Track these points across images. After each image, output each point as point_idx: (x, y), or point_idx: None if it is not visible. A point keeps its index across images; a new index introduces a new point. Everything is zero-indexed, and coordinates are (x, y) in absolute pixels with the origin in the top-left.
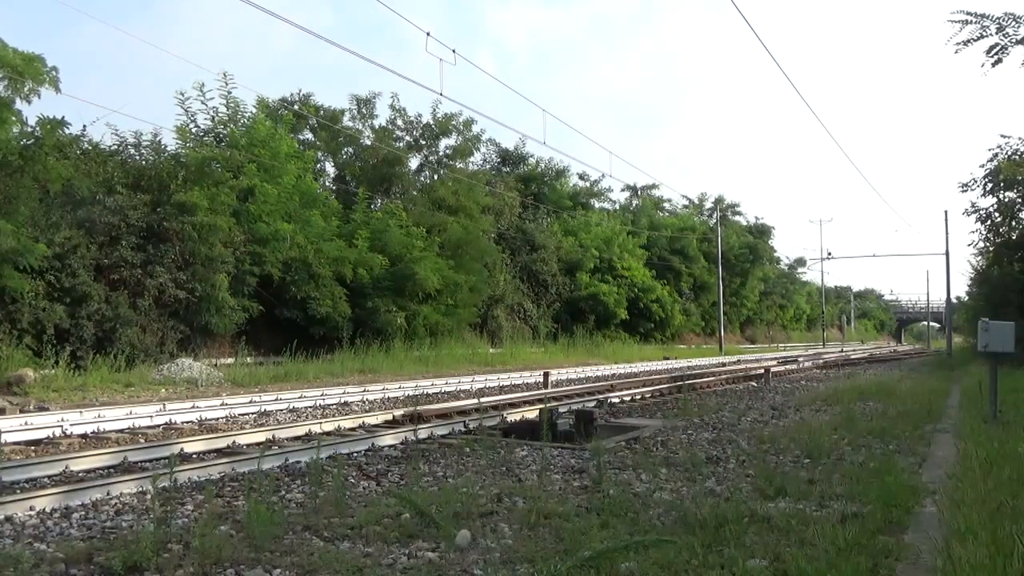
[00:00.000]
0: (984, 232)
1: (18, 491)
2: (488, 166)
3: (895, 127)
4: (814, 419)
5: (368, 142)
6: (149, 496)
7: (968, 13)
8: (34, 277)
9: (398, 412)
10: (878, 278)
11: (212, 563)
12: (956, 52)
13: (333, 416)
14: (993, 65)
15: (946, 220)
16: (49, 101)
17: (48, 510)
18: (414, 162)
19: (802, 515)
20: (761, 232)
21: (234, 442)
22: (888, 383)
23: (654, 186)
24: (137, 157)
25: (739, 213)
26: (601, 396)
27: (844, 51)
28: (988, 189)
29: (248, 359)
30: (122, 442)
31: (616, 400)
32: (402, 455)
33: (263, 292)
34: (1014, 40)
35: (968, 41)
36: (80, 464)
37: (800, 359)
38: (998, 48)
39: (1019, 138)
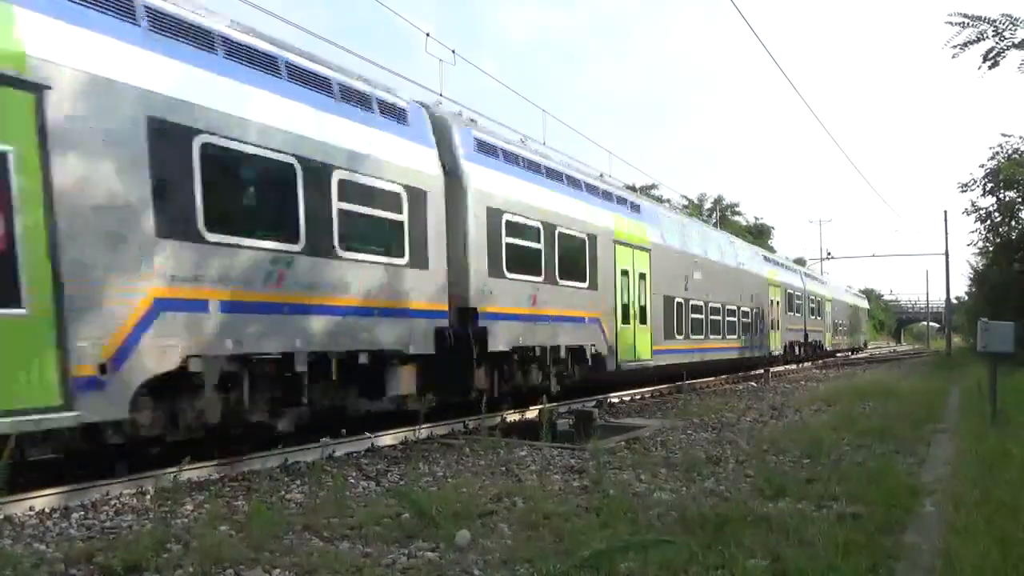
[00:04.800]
0: (984, 232)
1: None
2: None
3: (895, 127)
4: (814, 419)
5: None
6: (149, 496)
7: (965, 16)
8: None
9: None
10: (878, 278)
11: (212, 563)
12: (954, 57)
13: None
14: (990, 68)
15: (946, 220)
16: None
17: (48, 510)
18: None
19: (802, 515)
20: (761, 232)
21: None
22: (888, 383)
23: (653, 186)
24: None
25: (739, 213)
26: (601, 396)
27: (844, 52)
28: (988, 189)
29: None
30: None
31: (616, 400)
32: (402, 455)
33: None
34: (1011, 43)
35: (965, 44)
36: None
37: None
38: (995, 51)
39: (1019, 137)
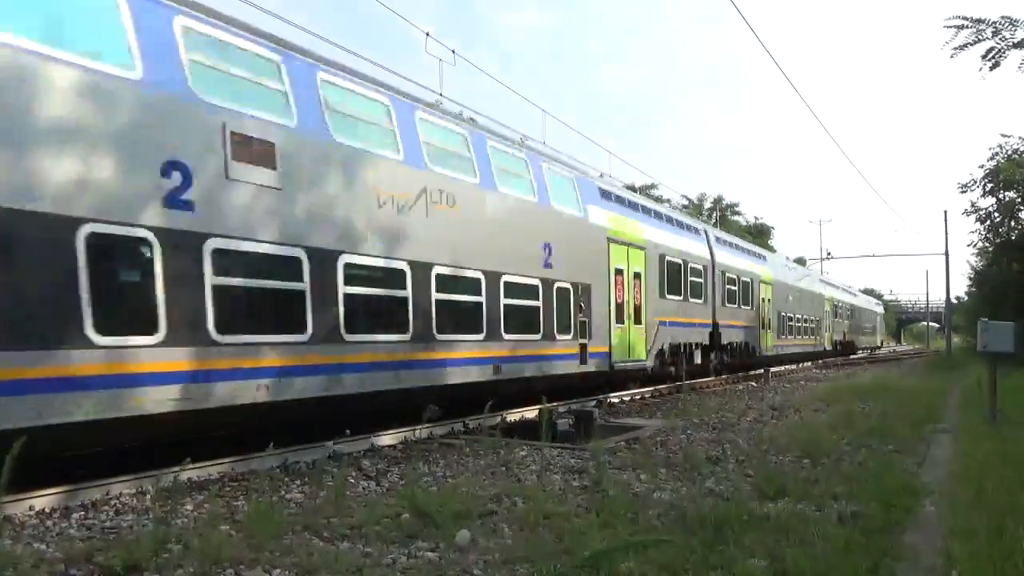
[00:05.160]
0: (984, 232)
1: None
2: None
3: (894, 128)
4: (813, 419)
5: None
6: (149, 496)
7: (963, 18)
8: None
9: None
10: (878, 278)
11: (212, 563)
12: (952, 57)
13: None
14: (991, 68)
15: (945, 220)
16: None
17: (48, 510)
18: None
19: (802, 515)
20: (761, 232)
21: None
22: (888, 383)
23: (653, 186)
24: None
25: (738, 213)
26: (601, 396)
27: (845, 52)
28: (988, 189)
29: None
30: None
31: (616, 400)
32: (402, 455)
33: None
34: (1011, 43)
35: (965, 45)
36: None
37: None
38: (995, 52)
39: (1019, 138)
